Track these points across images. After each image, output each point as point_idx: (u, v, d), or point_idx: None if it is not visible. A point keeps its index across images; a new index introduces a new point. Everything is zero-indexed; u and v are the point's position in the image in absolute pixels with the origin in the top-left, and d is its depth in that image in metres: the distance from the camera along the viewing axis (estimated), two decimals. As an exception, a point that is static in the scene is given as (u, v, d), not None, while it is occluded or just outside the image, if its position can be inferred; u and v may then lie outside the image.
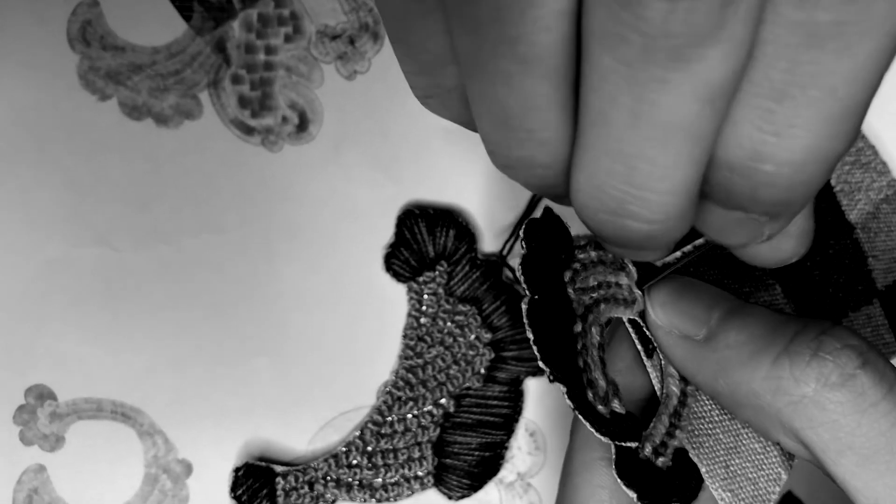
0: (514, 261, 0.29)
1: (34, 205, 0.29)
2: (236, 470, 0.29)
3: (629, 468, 0.21)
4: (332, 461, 0.29)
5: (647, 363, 0.22)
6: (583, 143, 0.15)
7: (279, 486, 0.29)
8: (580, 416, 0.20)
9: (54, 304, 0.29)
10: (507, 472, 0.30)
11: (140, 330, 0.30)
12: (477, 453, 0.29)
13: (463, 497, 0.29)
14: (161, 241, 0.30)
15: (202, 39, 0.29)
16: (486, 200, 0.30)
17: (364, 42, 0.29)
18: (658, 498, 0.20)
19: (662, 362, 0.22)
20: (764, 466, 0.22)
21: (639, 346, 0.22)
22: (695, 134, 0.14)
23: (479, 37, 0.14)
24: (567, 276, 0.21)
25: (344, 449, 0.29)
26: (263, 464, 0.29)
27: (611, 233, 0.17)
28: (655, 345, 0.21)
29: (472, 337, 0.29)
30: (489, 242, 0.30)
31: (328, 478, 0.29)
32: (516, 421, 0.30)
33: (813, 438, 0.19)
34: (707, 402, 0.22)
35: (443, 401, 0.29)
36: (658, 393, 0.22)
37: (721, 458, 0.22)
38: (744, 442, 0.22)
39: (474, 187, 0.30)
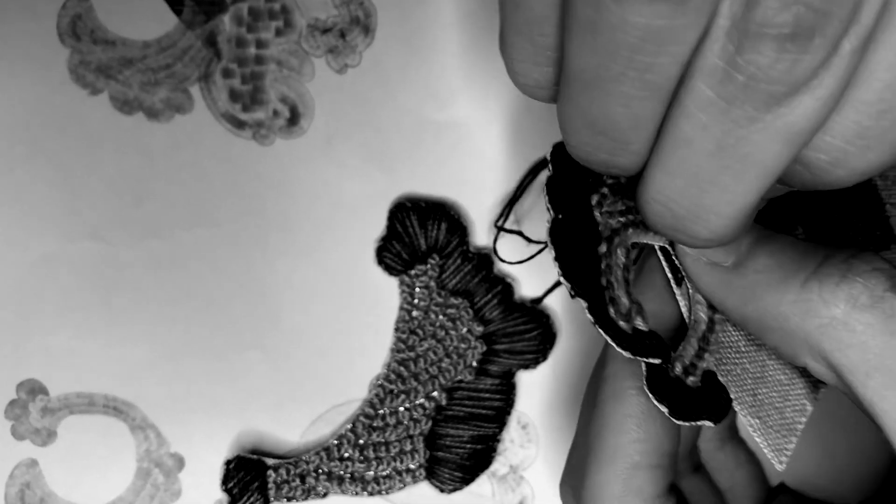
0: (503, 244, 0.29)
1: (26, 199, 0.29)
2: (227, 463, 0.29)
3: (660, 385, 0.21)
4: (323, 454, 0.29)
5: (676, 291, 0.22)
6: (661, 160, 0.17)
7: (270, 479, 0.29)
8: (600, 331, 0.20)
9: (46, 298, 0.30)
10: (499, 465, 0.30)
11: (133, 324, 0.30)
12: (469, 446, 0.29)
13: (455, 490, 0.29)
14: (154, 235, 0.30)
15: (193, 33, 0.29)
16: (477, 194, 0.30)
17: (355, 36, 0.30)
18: (689, 413, 0.21)
19: (690, 290, 0.22)
20: (790, 397, 0.22)
21: (668, 274, 0.22)
22: (771, 169, 0.16)
23: (607, 59, 0.15)
24: (594, 199, 0.22)
25: (336, 442, 0.29)
26: (255, 457, 0.29)
27: (668, 236, 0.19)
28: (684, 273, 0.22)
29: (464, 330, 0.30)
30: (481, 235, 0.30)
31: (320, 471, 0.29)
32: (508, 414, 0.30)
33: (841, 360, 0.19)
34: (734, 331, 0.22)
35: (435, 394, 0.29)
36: (686, 320, 0.22)
37: (748, 387, 0.22)
38: (770, 372, 0.22)
39: (466, 180, 0.30)
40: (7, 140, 0.29)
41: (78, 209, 0.30)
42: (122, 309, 0.30)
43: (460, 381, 0.29)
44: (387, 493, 0.29)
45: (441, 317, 0.30)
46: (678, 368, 0.22)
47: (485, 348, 0.29)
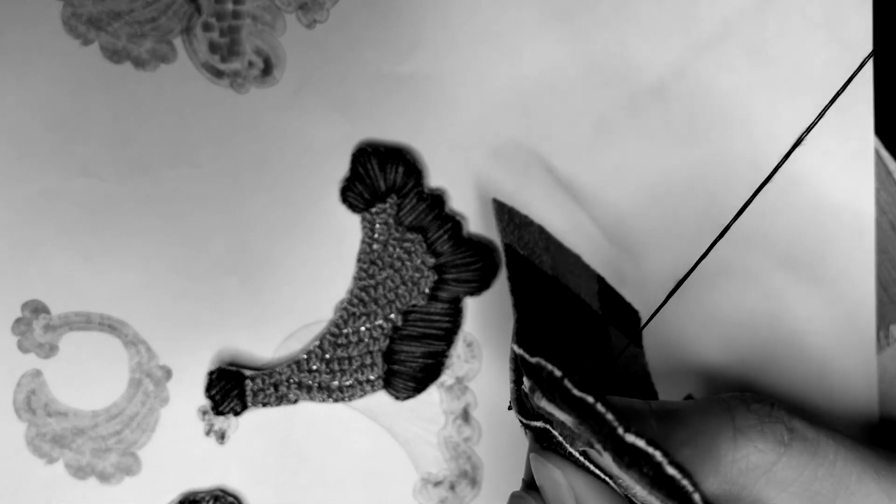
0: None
1: (25, 139, 0.32)
2: (210, 373, 0.32)
3: None
4: (294, 366, 0.32)
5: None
6: None
7: (248, 388, 0.32)
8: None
9: (46, 228, 0.32)
10: (447, 377, 0.33)
11: (124, 251, 0.32)
12: (421, 360, 0.32)
13: (408, 398, 0.32)
14: (141, 172, 0.32)
15: (175, -10, 0.31)
16: (432, 139, 0.32)
17: (323, -6, 0.32)
18: None
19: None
20: None
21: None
22: None
23: None
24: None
25: (305, 356, 0.32)
26: (234, 368, 0.32)
27: None
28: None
29: (419, 261, 0.32)
30: (434, 177, 0.33)
31: (291, 380, 0.32)
32: (456, 333, 0.32)
33: None
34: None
35: (392, 316, 0.32)
36: None
37: None
38: None
39: (421, 127, 0.32)
40: (6, 85, 0.31)
41: (72, 149, 0.32)
42: (114, 238, 0.32)
43: (414, 306, 0.32)
44: (349, 400, 0.32)
45: (398, 249, 0.32)
46: None
47: (436, 277, 0.32)
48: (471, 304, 0.33)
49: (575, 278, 0.30)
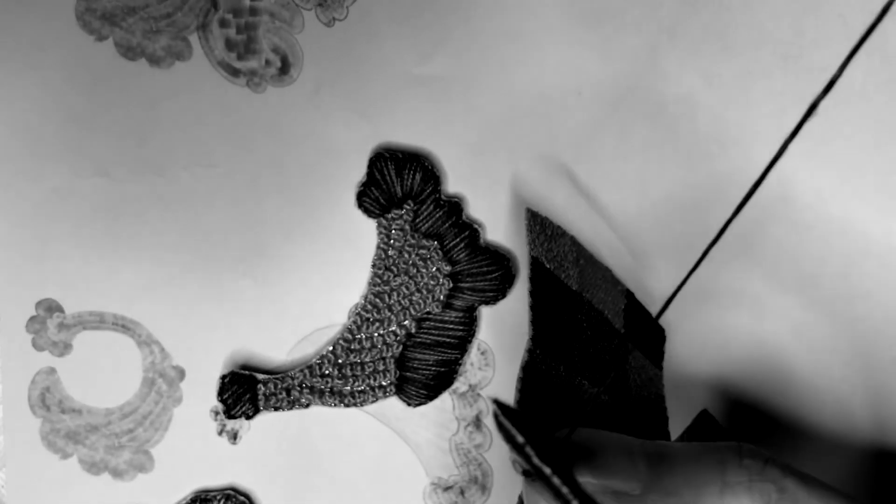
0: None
1: (39, 137, 0.31)
2: (223, 377, 0.32)
3: None
4: (307, 371, 0.33)
5: None
6: None
7: (260, 392, 0.32)
8: None
9: (61, 228, 0.32)
10: (460, 384, 0.33)
11: (138, 251, 0.32)
12: (434, 369, 0.33)
13: (420, 405, 0.33)
14: (156, 172, 0.32)
15: (191, -15, 0.31)
16: (451, 143, 0.32)
17: (343, -8, 0.31)
18: None
19: None
20: None
21: None
22: None
23: None
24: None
25: (318, 361, 0.33)
26: (247, 372, 0.32)
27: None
28: None
29: (434, 269, 0.32)
30: (452, 184, 0.33)
31: (303, 385, 0.33)
32: (469, 342, 0.33)
33: None
34: None
35: (406, 323, 0.33)
36: None
37: None
38: None
39: (440, 131, 0.32)
40: (21, 82, 0.31)
41: (86, 147, 0.32)
42: (129, 238, 0.32)
43: (428, 313, 0.33)
44: (361, 405, 0.33)
45: (414, 256, 0.32)
46: None
47: (451, 285, 0.32)
48: (486, 313, 0.33)
49: (602, 293, 0.30)
